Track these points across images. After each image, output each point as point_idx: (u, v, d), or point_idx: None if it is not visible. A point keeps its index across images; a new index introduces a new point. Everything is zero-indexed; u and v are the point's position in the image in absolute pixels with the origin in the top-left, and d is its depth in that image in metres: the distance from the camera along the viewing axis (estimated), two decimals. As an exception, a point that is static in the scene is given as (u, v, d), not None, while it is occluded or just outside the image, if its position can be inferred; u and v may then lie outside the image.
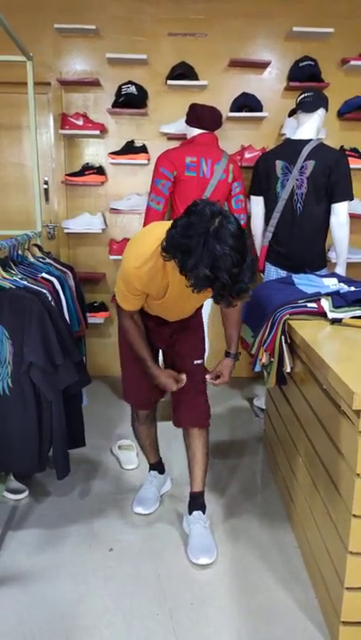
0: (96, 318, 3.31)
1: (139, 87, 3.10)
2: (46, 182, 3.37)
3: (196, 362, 1.96)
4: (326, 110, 2.69)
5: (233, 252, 1.30)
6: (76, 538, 1.93)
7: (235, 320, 1.95)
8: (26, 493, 2.18)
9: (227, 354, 1.99)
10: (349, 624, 1.43)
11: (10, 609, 1.61)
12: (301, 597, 1.66)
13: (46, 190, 3.38)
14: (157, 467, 2.23)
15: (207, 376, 1.97)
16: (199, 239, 1.30)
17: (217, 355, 2.13)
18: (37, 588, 1.69)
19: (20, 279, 1.90)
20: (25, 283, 1.86)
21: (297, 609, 1.62)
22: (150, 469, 2.23)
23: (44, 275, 2.06)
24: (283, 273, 2.74)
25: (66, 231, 3.27)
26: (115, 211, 3.24)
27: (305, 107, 2.63)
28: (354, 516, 1.33)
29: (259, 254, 2.89)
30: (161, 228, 1.52)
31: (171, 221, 1.56)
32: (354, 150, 3.24)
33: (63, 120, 3.13)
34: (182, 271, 1.35)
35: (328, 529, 1.53)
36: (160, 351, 2.05)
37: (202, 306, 1.98)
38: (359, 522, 1.34)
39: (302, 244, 2.69)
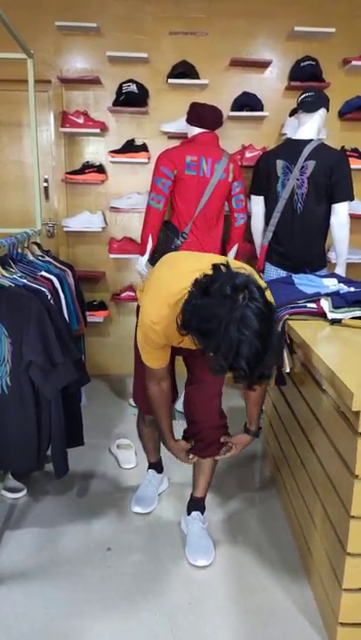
0: (95, 317, 3.31)
1: (139, 86, 3.10)
2: (46, 180, 3.36)
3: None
4: (327, 110, 2.69)
5: (256, 338, 1.15)
6: (74, 537, 1.93)
7: (255, 399, 1.82)
8: (24, 492, 2.17)
9: (246, 430, 1.89)
10: (347, 625, 1.43)
11: (8, 609, 1.61)
12: (299, 598, 1.66)
13: (46, 188, 3.37)
14: (156, 466, 2.23)
15: (221, 439, 1.87)
16: (220, 324, 1.16)
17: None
18: (35, 588, 1.69)
19: (20, 277, 1.89)
20: (24, 281, 1.86)
21: (295, 610, 1.62)
22: (149, 468, 2.23)
23: (43, 273, 2.05)
24: (283, 273, 2.74)
25: (65, 229, 3.26)
26: (115, 209, 3.24)
27: (306, 106, 2.62)
28: (352, 517, 1.33)
29: (259, 254, 2.88)
30: (180, 274, 1.42)
31: (187, 254, 1.54)
32: (355, 150, 3.23)
33: (63, 118, 3.12)
34: (204, 352, 1.23)
35: (326, 530, 1.53)
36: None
37: None
38: (357, 523, 1.34)
39: (302, 243, 2.69)
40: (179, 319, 1.28)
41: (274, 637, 1.52)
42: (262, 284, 1.35)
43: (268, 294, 1.27)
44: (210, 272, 1.26)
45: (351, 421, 1.33)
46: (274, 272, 2.79)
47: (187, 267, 1.48)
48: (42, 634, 1.52)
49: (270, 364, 1.22)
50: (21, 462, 1.88)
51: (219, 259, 1.46)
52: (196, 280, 1.27)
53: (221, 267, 1.27)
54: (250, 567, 1.80)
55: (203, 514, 1.97)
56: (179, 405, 2.81)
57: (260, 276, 2.89)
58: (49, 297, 1.87)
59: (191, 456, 1.87)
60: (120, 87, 3.10)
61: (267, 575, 1.76)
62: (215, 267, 1.26)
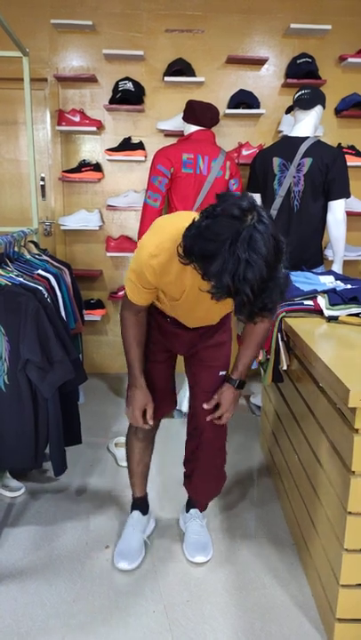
0: (93, 316, 3.31)
1: (136, 83, 3.09)
2: (43, 179, 3.35)
3: (221, 372, 1.73)
4: (324, 107, 2.68)
5: (263, 262, 1.07)
6: (72, 535, 1.93)
7: (256, 340, 1.65)
8: (22, 490, 2.17)
9: (228, 378, 1.70)
10: (345, 621, 1.44)
11: (6, 607, 1.61)
12: (297, 594, 1.67)
13: (43, 187, 3.37)
14: (141, 505, 1.93)
15: (204, 405, 1.69)
16: (225, 242, 1.07)
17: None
18: (34, 586, 1.69)
19: (17, 276, 1.89)
20: (21, 280, 1.85)
21: (293, 606, 1.62)
22: (132, 508, 1.92)
23: (40, 272, 2.05)
24: (280, 270, 2.74)
25: (62, 228, 3.26)
26: (111, 207, 3.23)
27: (302, 104, 2.62)
28: (349, 513, 1.34)
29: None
30: (190, 218, 1.30)
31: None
32: (351, 148, 3.23)
33: (60, 116, 3.11)
34: (204, 277, 1.14)
35: (324, 526, 1.53)
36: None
37: (228, 316, 1.75)
38: (354, 519, 1.34)
39: (299, 241, 2.69)
40: (180, 247, 1.19)
41: (272, 633, 1.52)
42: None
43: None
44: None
45: (348, 418, 1.33)
46: (271, 270, 2.79)
47: (187, 214, 1.40)
48: (40, 632, 1.52)
49: (274, 297, 1.12)
50: (19, 460, 1.88)
51: None
52: (201, 211, 1.19)
53: (225, 194, 1.17)
54: (248, 564, 1.80)
55: (201, 511, 1.96)
56: (184, 406, 2.82)
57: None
58: (46, 295, 1.87)
59: (149, 419, 1.67)
60: (116, 85, 3.09)
61: (265, 572, 1.77)
62: (219, 195, 1.17)
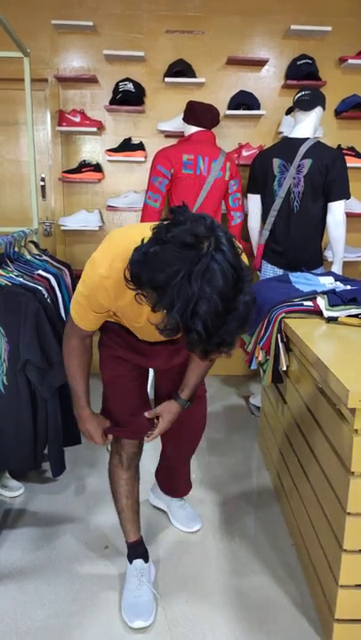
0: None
1: (136, 84, 3.10)
2: (43, 179, 3.36)
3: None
4: (324, 109, 2.69)
5: (218, 296, 0.94)
6: (71, 535, 1.93)
7: (202, 368, 1.56)
8: (21, 491, 2.17)
9: (176, 396, 1.60)
10: (343, 621, 1.44)
11: (5, 607, 1.61)
12: (296, 595, 1.67)
13: (43, 187, 3.37)
14: (139, 550, 1.69)
15: (145, 413, 1.60)
16: (177, 274, 0.94)
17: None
18: (32, 586, 1.69)
19: (17, 276, 1.89)
20: (21, 280, 1.86)
21: (292, 606, 1.62)
22: (131, 557, 1.67)
23: (40, 272, 2.05)
24: (279, 271, 2.74)
25: (62, 228, 3.26)
26: (111, 208, 3.24)
27: (302, 105, 2.63)
28: (348, 514, 1.34)
29: (256, 253, 2.89)
30: (137, 228, 1.22)
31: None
32: (351, 149, 3.24)
33: (60, 117, 3.12)
34: (154, 309, 1.01)
35: (323, 527, 1.53)
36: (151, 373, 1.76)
37: None
38: (353, 520, 1.34)
39: (299, 242, 2.69)
40: (127, 271, 1.07)
41: (271, 633, 1.52)
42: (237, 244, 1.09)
43: (238, 247, 1.04)
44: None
45: (347, 418, 1.33)
46: (271, 270, 2.80)
47: (145, 224, 1.23)
48: (39, 631, 1.52)
49: (233, 331, 0.98)
50: (18, 461, 1.89)
51: None
52: (152, 229, 1.05)
53: (182, 209, 1.04)
54: (247, 564, 1.80)
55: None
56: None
57: (257, 275, 2.91)
58: (46, 296, 1.88)
59: (110, 437, 1.59)
60: (117, 86, 3.10)
61: (264, 572, 1.77)
62: (174, 210, 1.04)
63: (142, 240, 1.05)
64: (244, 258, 1.06)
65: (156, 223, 1.06)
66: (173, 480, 1.98)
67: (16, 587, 1.69)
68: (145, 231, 1.09)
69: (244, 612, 1.60)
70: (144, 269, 1.01)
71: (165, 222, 1.03)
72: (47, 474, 2.32)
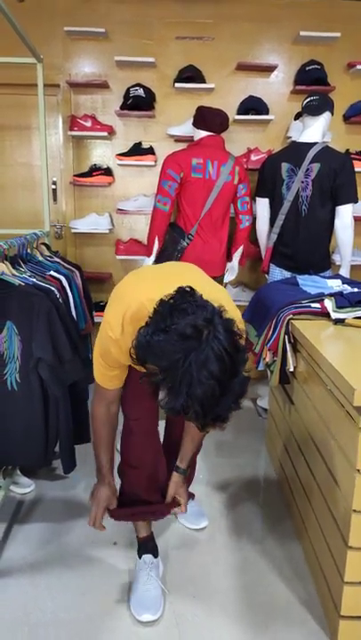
0: (102, 317, 3.34)
1: (146, 90, 3.14)
2: (55, 183, 3.41)
3: None
4: (332, 114, 2.72)
5: (214, 381, 1.03)
6: (80, 531, 1.97)
7: (197, 438, 1.68)
8: (32, 488, 2.21)
9: (175, 468, 1.71)
10: (349, 618, 1.46)
11: (17, 599, 1.64)
12: (302, 592, 1.69)
13: (54, 191, 3.42)
14: (149, 545, 1.74)
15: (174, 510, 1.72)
16: (178, 362, 1.04)
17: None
18: (43, 580, 1.73)
19: (29, 277, 1.93)
20: (34, 280, 1.90)
21: (297, 603, 1.64)
22: (141, 552, 1.72)
23: (52, 273, 2.09)
24: (287, 274, 2.77)
25: (73, 231, 3.31)
26: (122, 211, 3.28)
27: (311, 110, 2.66)
28: (354, 511, 1.36)
29: (263, 256, 2.92)
30: (151, 290, 1.25)
31: (157, 267, 1.43)
32: (359, 154, 3.26)
33: (72, 121, 3.17)
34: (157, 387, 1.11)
35: (328, 524, 1.56)
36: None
37: None
38: (359, 517, 1.37)
39: (307, 245, 2.72)
40: (132, 350, 1.15)
41: (277, 631, 1.54)
42: (234, 314, 1.22)
43: (240, 324, 1.16)
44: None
45: (353, 417, 1.36)
46: (279, 273, 2.82)
47: (151, 276, 1.45)
48: (50, 623, 1.55)
49: (228, 407, 1.09)
50: (29, 458, 1.92)
51: (188, 280, 1.23)
52: (155, 309, 1.14)
53: (187, 294, 1.14)
54: (253, 563, 1.82)
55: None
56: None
57: (265, 278, 2.94)
58: (58, 296, 1.92)
59: (104, 521, 1.66)
60: (127, 91, 3.15)
61: (270, 570, 1.79)
62: (179, 292, 1.14)
63: (146, 324, 1.13)
64: (242, 340, 1.14)
65: (160, 298, 1.15)
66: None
67: (27, 581, 1.72)
68: (151, 290, 1.23)
69: (250, 609, 1.62)
70: (148, 354, 1.10)
71: (170, 302, 1.12)
72: (57, 471, 2.36)
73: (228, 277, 3.02)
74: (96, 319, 3.25)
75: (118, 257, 3.30)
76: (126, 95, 3.15)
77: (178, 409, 1.06)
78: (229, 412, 1.11)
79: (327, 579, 1.57)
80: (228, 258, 2.96)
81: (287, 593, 1.69)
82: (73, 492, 2.23)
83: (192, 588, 1.71)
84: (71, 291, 2.16)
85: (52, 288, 1.91)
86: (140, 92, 3.11)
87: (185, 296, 1.14)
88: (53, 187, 3.40)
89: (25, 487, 2.20)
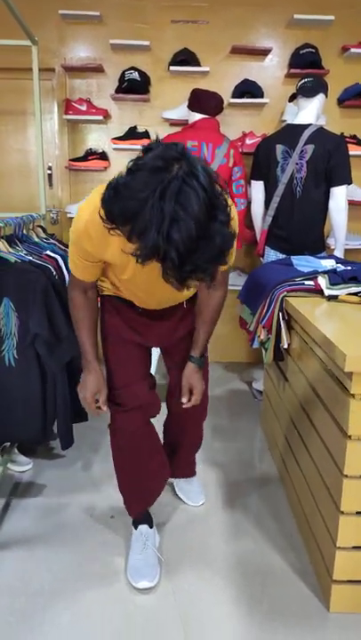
0: (99, 303, 3.36)
1: (141, 73, 3.14)
2: (50, 168, 3.41)
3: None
4: (326, 96, 2.73)
5: (192, 220, 0.93)
6: (78, 506, 2.00)
7: (208, 317, 1.60)
8: (30, 466, 2.24)
9: (189, 358, 1.65)
10: (341, 582, 1.49)
11: (15, 571, 1.67)
12: (296, 562, 1.72)
13: (50, 176, 3.43)
14: (145, 516, 1.76)
15: (184, 403, 1.66)
16: (147, 199, 0.93)
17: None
18: (41, 552, 1.75)
19: (25, 255, 1.95)
20: (30, 258, 1.91)
21: (292, 572, 1.68)
22: (136, 523, 1.75)
23: (48, 252, 2.11)
24: (282, 256, 2.79)
25: (69, 216, 3.32)
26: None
27: (305, 92, 2.67)
28: (345, 476, 1.39)
29: (259, 238, 2.93)
30: None
31: None
32: (353, 137, 3.27)
33: (67, 105, 3.17)
34: (130, 239, 1.00)
35: (321, 492, 1.59)
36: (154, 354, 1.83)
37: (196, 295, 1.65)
38: (350, 482, 1.40)
39: (302, 227, 2.73)
40: (101, 211, 1.05)
41: (271, 598, 1.57)
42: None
43: (215, 177, 1.01)
44: None
45: (344, 384, 1.38)
46: (274, 256, 2.84)
47: None
48: (47, 593, 1.58)
49: (207, 258, 0.98)
50: (27, 433, 1.94)
51: None
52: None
53: (155, 142, 1.04)
54: (248, 533, 1.86)
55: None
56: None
57: (261, 261, 2.96)
58: (54, 273, 1.93)
59: (102, 405, 1.57)
60: (122, 75, 3.15)
61: (264, 540, 1.82)
62: (145, 146, 1.03)
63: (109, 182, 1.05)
64: (224, 194, 1.03)
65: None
66: (176, 461, 1.94)
67: (25, 553, 1.75)
68: None
69: (245, 577, 1.65)
70: (115, 202, 1.00)
71: (135, 159, 1.02)
72: (55, 450, 2.38)
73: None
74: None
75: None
76: (121, 79, 3.15)
77: (151, 252, 0.95)
78: (211, 265, 1.00)
79: (320, 545, 1.60)
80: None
81: (281, 563, 1.72)
82: (71, 469, 2.25)
83: (188, 558, 1.74)
84: (67, 270, 2.18)
85: (49, 266, 1.92)
86: (135, 75, 3.11)
87: (152, 143, 1.04)
88: (49, 172, 3.41)
89: (23, 465, 2.22)
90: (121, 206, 0.98)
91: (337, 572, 1.48)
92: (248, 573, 1.67)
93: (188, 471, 2.06)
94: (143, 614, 1.51)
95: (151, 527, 1.75)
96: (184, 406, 1.66)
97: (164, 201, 0.93)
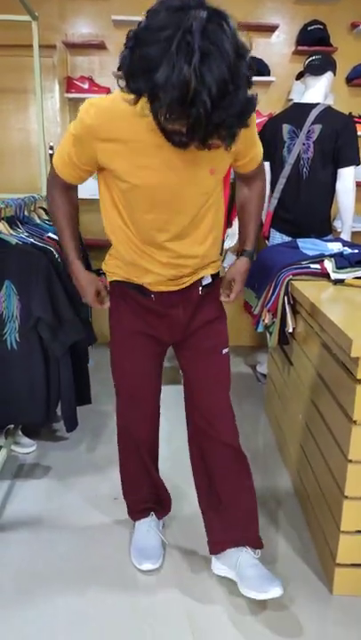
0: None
1: (145, 50, 3.06)
2: (52, 147, 3.36)
3: (224, 350, 1.50)
4: (334, 74, 2.66)
5: (221, 58, 0.87)
6: (82, 488, 2.00)
7: (254, 209, 1.50)
8: (33, 448, 2.24)
9: (241, 253, 1.52)
10: (344, 566, 1.49)
11: (19, 552, 1.68)
12: (298, 543, 1.73)
13: (52, 156, 3.37)
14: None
15: (222, 291, 1.49)
16: (173, 37, 0.86)
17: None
18: (45, 534, 1.76)
19: (27, 237, 1.92)
20: (32, 240, 1.89)
21: (295, 555, 1.68)
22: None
23: (50, 234, 2.08)
24: (288, 239, 2.75)
25: (71, 197, 3.27)
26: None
27: (313, 69, 2.60)
28: (350, 461, 1.38)
29: (264, 220, 2.89)
30: None
31: None
32: (362, 117, 3.21)
33: (68, 83, 3.11)
34: (153, 97, 0.93)
35: (325, 476, 1.58)
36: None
37: (216, 291, 1.48)
38: (355, 467, 1.39)
39: (308, 209, 2.69)
40: (119, 80, 1.02)
41: (274, 579, 1.58)
42: None
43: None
44: None
45: (350, 369, 1.37)
46: (279, 238, 2.80)
47: None
48: (52, 574, 1.59)
49: (235, 112, 0.92)
50: (30, 416, 1.94)
51: None
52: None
53: None
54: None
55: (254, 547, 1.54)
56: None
57: (266, 243, 2.92)
58: (56, 256, 1.91)
59: (106, 301, 1.46)
60: (125, 52, 3.07)
61: (268, 523, 1.83)
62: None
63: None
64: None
65: None
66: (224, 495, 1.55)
67: (30, 534, 1.76)
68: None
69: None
70: (135, 54, 0.93)
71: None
72: (59, 432, 2.39)
73: (228, 244, 3.00)
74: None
75: (117, 224, 3.27)
76: (124, 56, 3.07)
77: (179, 94, 0.87)
78: (237, 121, 0.95)
79: (323, 528, 1.60)
80: (228, 224, 2.93)
81: (284, 544, 1.73)
82: (74, 451, 2.26)
83: (192, 541, 1.74)
84: (70, 253, 2.15)
85: (50, 248, 1.90)
86: (139, 52, 3.03)
87: None
88: (50, 152, 3.35)
89: (27, 447, 2.23)
90: (142, 56, 0.91)
91: (340, 555, 1.48)
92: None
93: (250, 534, 1.54)
94: (148, 596, 1.52)
95: (160, 517, 1.75)
96: (222, 299, 1.49)
97: (192, 35, 0.86)
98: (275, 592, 1.38)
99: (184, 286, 1.39)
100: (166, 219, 1.27)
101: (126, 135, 1.15)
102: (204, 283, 1.44)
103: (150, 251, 1.33)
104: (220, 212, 1.41)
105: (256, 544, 1.52)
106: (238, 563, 1.48)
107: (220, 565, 1.55)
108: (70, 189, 1.39)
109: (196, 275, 1.41)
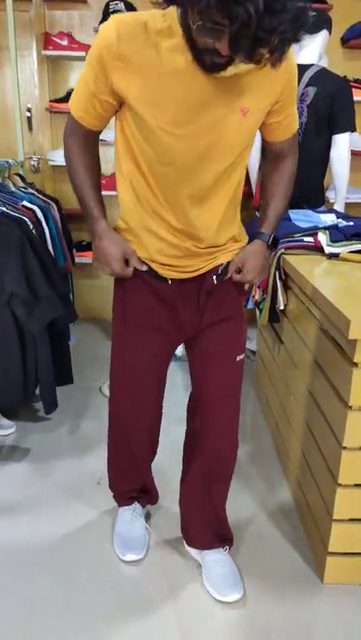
0: (84, 258, 3.20)
1: (128, 4, 2.85)
2: (29, 110, 3.16)
3: (239, 357, 1.35)
4: (330, 33, 2.49)
5: None
6: (64, 471, 1.93)
7: (283, 187, 1.31)
8: (13, 430, 2.15)
9: (258, 234, 1.32)
10: (336, 554, 1.44)
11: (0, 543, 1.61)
12: (290, 530, 1.67)
13: (29, 119, 3.17)
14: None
15: (234, 276, 1.28)
16: None
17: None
18: (25, 521, 1.69)
19: None
20: (3, 209, 1.75)
21: (286, 543, 1.63)
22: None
23: (25, 203, 1.94)
24: (278, 210, 2.63)
25: (50, 163, 3.10)
26: (102, 142, 3.04)
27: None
28: (344, 448, 1.31)
29: (254, 190, 2.76)
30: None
31: None
32: (358, 81, 3.05)
33: (46, 40, 2.89)
34: (185, 4, 0.86)
35: (318, 463, 1.51)
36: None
37: (240, 294, 1.34)
38: (349, 454, 1.32)
39: (300, 178, 2.50)
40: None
41: (266, 570, 1.52)
42: None
43: None
44: None
45: (346, 351, 1.28)
46: (269, 209, 2.68)
47: None
48: (33, 565, 1.52)
49: (290, 19, 0.81)
50: (5, 397, 1.84)
51: None
52: None
53: None
54: (242, 503, 1.80)
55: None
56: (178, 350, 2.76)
57: (256, 215, 2.80)
58: (31, 227, 1.77)
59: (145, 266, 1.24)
60: (107, 6, 2.85)
61: (258, 511, 1.77)
62: None
63: None
64: None
65: None
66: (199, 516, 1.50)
67: (9, 522, 1.68)
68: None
69: (238, 546, 1.60)
70: None
71: None
72: (39, 412, 2.29)
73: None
74: (77, 260, 3.12)
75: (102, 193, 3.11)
76: (106, 10, 2.86)
77: (222, 10, 0.77)
78: (291, 30, 0.83)
79: (315, 516, 1.54)
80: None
81: (275, 531, 1.67)
82: (56, 433, 2.17)
83: (177, 527, 1.67)
84: (47, 224, 2.01)
85: (25, 218, 1.76)
86: (121, 6, 2.82)
87: None
88: (28, 114, 3.15)
89: (5, 429, 2.13)
90: None
91: (332, 543, 1.42)
92: (241, 542, 1.62)
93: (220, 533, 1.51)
94: (132, 584, 1.46)
95: (144, 505, 1.67)
96: (232, 277, 1.28)
97: None
98: (233, 597, 1.40)
99: (198, 273, 1.24)
100: (187, 171, 1.12)
101: (147, 56, 1.01)
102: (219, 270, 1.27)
103: (164, 210, 1.18)
104: (241, 188, 1.25)
105: (225, 543, 1.50)
106: (203, 555, 1.50)
107: (189, 548, 1.55)
108: (89, 137, 1.23)
109: (213, 260, 1.25)
